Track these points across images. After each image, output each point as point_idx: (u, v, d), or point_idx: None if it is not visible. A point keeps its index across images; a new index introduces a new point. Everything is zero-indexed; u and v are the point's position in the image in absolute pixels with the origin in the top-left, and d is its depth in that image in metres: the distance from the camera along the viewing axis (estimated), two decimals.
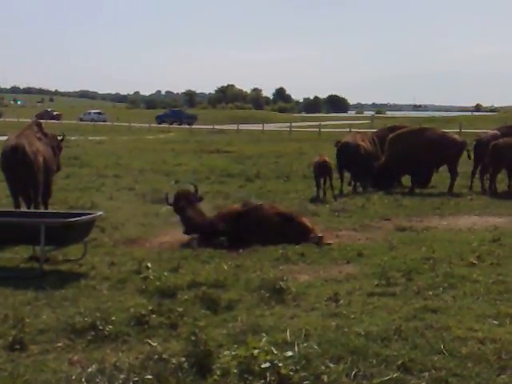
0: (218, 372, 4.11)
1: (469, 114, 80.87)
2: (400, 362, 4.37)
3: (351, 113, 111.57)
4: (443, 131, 16.58)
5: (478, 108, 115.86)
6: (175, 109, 76.24)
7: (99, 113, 74.70)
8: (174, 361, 4.28)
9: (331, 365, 4.19)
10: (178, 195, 9.37)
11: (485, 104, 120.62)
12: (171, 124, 57.17)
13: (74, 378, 4.21)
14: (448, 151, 14.71)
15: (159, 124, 59.24)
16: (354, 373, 4.18)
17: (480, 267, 7.29)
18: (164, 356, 4.37)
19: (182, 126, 56.84)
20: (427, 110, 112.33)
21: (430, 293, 6.27)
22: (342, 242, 9.09)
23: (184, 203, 9.16)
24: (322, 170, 13.73)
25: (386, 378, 4.09)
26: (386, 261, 7.47)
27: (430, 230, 9.99)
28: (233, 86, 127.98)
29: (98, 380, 4.15)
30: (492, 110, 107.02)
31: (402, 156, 14.78)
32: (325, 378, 4.02)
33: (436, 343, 4.73)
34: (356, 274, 7.18)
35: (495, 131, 16.32)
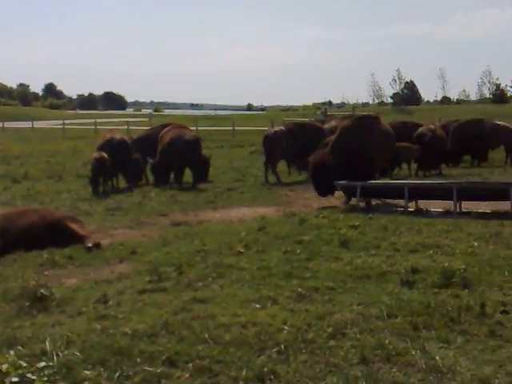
0: None
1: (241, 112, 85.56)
2: (165, 356, 4.35)
3: (130, 110, 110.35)
4: (184, 129, 16.54)
5: (249, 107, 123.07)
6: None
7: None
8: None
9: (89, 371, 3.98)
10: None
11: (256, 103, 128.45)
12: None
13: None
14: (183, 149, 15.06)
15: None
16: (117, 374, 4.04)
17: (247, 255, 7.65)
18: None
19: None
20: (204, 109, 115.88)
21: (200, 284, 6.41)
22: (115, 240, 8.86)
23: None
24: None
25: (148, 375, 4.02)
26: (158, 256, 7.45)
27: (204, 223, 10.26)
28: None
29: None
30: (262, 109, 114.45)
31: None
32: None
33: (201, 333, 4.81)
34: (128, 273, 7.03)
35: (281, 127, 17.49)
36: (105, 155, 13.96)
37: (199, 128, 37.29)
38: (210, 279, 6.57)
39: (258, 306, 5.59)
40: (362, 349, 4.53)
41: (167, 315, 5.26)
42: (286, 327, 4.97)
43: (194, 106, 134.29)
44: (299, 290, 6.00)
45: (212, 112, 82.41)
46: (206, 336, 4.74)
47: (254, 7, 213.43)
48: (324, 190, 12.04)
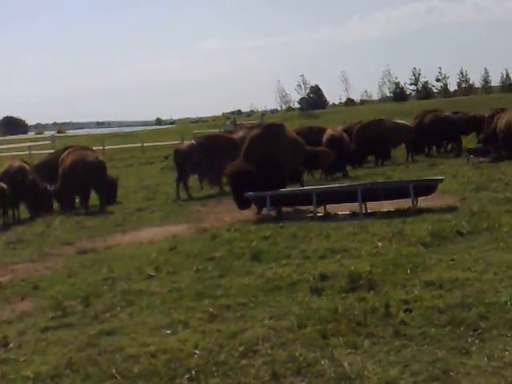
0: None
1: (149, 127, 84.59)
2: None
3: (31, 134, 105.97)
4: (86, 151, 15.70)
5: (158, 122, 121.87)
6: None
7: None
8: None
9: None
10: None
11: (164, 117, 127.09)
12: None
13: None
14: (86, 172, 14.52)
15: None
16: None
17: (157, 278, 7.48)
18: None
19: None
20: (111, 127, 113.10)
21: (108, 315, 6.20)
22: (16, 276, 8.42)
23: None
24: None
25: None
26: (62, 290, 7.14)
27: (112, 249, 9.96)
28: None
29: None
30: (171, 122, 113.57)
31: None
32: None
33: (109, 368, 4.63)
34: (31, 311, 6.69)
35: (192, 141, 17.38)
36: (3, 185, 13.30)
37: (106, 147, 36.55)
38: (119, 308, 6.36)
39: (168, 331, 5.46)
40: (273, 364, 4.51)
41: (72, 353, 5.03)
42: (197, 351, 4.88)
43: (100, 125, 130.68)
44: (211, 309, 5.92)
45: (118, 129, 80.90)
46: (114, 371, 4.56)
47: (155, 20, 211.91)
48: (243, 201, 11.95)
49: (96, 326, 5.81)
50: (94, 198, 15.00)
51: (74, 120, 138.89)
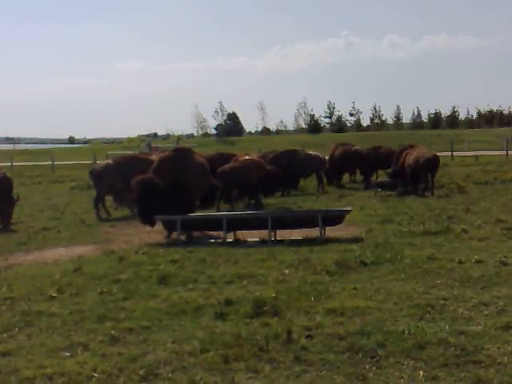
0: None
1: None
2: None
3: None
4: None
5: (71, 140, 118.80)
6: None
7: None
8: None
9: None
10: None
11: (78, 136, 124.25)
12: None
13: None
14: None
15: None
16: None
17: (59, 299, 7.24)
18: None
19: None
20: (21, 143, 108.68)
21: (5, 335, 5.96)
22: None
23: None
24: None
25: None
26: None
27: (14, 268, 9.53)
28: None
29: None
30: (85, 141, 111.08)
31: None
32: None
33: None
34: None
35: (109, 161, 17.09)
36: None
37: (14, 164, 35.16)
38: (17, 329, 6.12)
39: (67, 354, 5.31)
40: None
41: None
42: (95, 374, 4.77)
43: (9, 140, 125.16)
44: (113, 332, 5.81)
45: (13, 146, 78.23)
46: None
47: (76, 37, 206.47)
48: (148, 216, 11.88)
49: None
50: None
51: None
